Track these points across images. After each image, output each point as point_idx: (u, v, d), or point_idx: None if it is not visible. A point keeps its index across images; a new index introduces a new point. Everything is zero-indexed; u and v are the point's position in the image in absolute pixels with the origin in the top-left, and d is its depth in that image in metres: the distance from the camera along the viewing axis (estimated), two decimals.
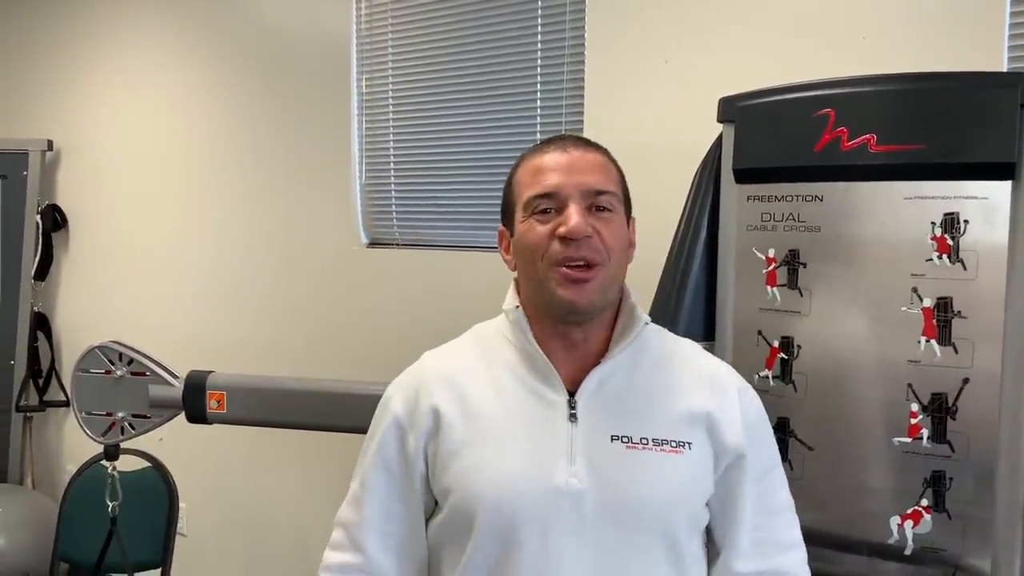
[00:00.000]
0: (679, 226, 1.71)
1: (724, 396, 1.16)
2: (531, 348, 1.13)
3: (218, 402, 1.85)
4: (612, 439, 1.10)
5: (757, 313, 1.59)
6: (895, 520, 1.45)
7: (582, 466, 1.08)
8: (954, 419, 1.41)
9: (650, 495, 1.09)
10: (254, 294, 3.16)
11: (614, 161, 1.19)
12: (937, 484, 1.42)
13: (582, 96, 2.41)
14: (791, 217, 1.54)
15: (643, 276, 1.69)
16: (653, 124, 2.19)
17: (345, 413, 1.90)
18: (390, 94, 2.86)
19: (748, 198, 1.60)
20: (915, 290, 1.43)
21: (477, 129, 2.66)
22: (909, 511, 1.44)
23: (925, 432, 1.43)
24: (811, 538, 1.28)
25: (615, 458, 1.09)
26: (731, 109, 1.61)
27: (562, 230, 1.08)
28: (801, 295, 1.54)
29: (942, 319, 1.41)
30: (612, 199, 1.13)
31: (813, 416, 1.54)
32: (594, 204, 1.11)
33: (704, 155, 1.69)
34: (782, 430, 1.55)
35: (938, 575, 1.41)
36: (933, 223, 1.41)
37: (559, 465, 1.08)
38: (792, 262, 1.55)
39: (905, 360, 1.44)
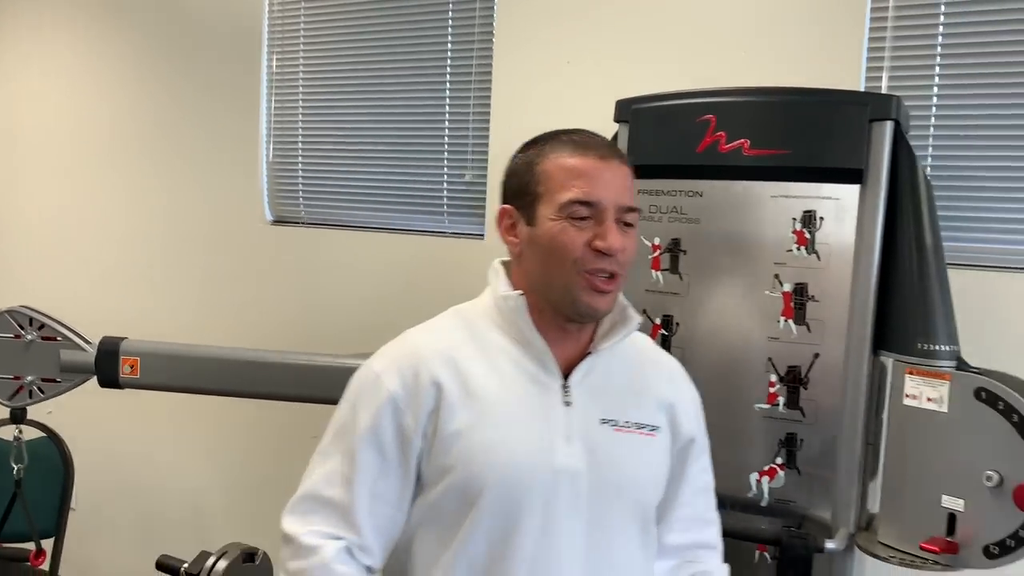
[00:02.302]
0: None
1: (680, 387, 1.29)
2: (529, 334, 1.16)
3: (131, 367, 1.91)
4: (602, 422, 1.17)
5: (643, 294, 1.77)
6: (754, 476, 1.67)
7: (578, 447, 1.14)
8: (805, 388, 1.63)
9: (633, 475, 1.19)
10: (161, 269, 3.18)
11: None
12: (790, 445, 1.65)
13: (489, 87, 2.56)
14: (675, 210, 1.73)
15: None
16: (556, 120, 2.35)
17: (257, 380, 1.99)
18: (300, 74, 2.93)
19: (639, 192, 1.77)
20: (777, 277, 1.64)
21: (386, 114, 2.77)
22: (766, 468, 1.66)
23: (781, 399, 1.64)
24: None
25: (605, 439, 1.16)
26: (626, 111, 1.79)
27: (601, 245, 1.12)
28: (681, 279, 1.73)
29: (798, 302, 1.63)
30: (636, 216, 1.18)
31: None
32: (622, 220, 1.16)
33: None
34: None
35: (789, 524, 1.63)
36: (794, 219, 1.63)
37: (558, 446, 1.14)
38: (674, 249, 1.74)
39: (767, 337, 1.65)
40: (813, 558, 1.56)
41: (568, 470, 1.13)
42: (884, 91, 2.05)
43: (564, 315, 1.17)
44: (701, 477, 1.31)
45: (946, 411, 1.49)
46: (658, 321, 1.76)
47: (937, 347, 1.53)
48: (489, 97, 2.56)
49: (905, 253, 1.58)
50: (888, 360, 1.60)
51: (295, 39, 2.92)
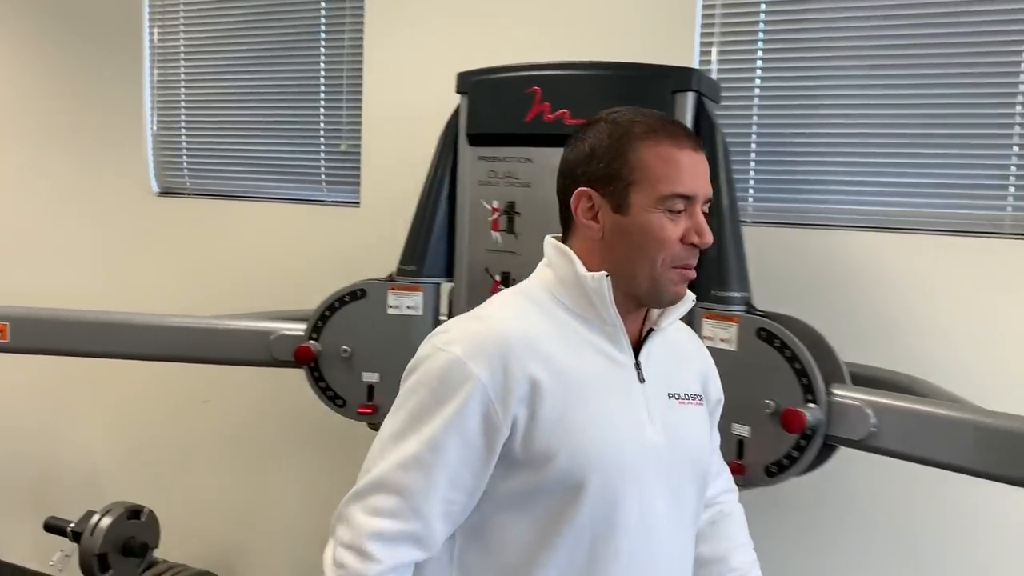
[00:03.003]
0: (426, 180, 2.02)
1: (704, 353, 1.34)
2: (608, 315, 1.14)
3: (0, 332, 1.99)
4: (668, 396, 1.19)
5: (485, 253, 1.93)
6: None
7: (658, 423, 1.16)
8: None
9: (698, 444, 1.23)
10: (49, 243, 3.21)
11: None
12: None
13: (361, 58, 2.67)
14: (509, 175, 1.89)
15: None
16: (425, 91, 2.48)
17: (131, 341, 2.09)
18: (181, 46, 2.99)
19: (479, 158, 1.93)
20: None
21: (265, 85, 2.86)
22: None
23: None
24: None
25: (673, 413, 1.19)
26: (466, 82, 1.93)
27: (697, 240, 1.13)
28: (517, 238, 1.89)
29: None
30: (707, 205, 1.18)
31: None
32: (704, 210, 1.16)
33: (447, 120, 2.01)
34: None
35: None
36: None
37: (644, 423, 1.15)
38: (510, 212, 1.89)
39: None
40: None
41: (655, 446, 1.15)
42: (715, 66, 2.25)
43: (641, 300, 1.17)
44: (717, 433, 1.37)
45: (735, 349, 1.69)
46: (498, 278, 1.92)
47: (729, 294, 1.73)
48: (361, 68, 2.68)
49: (710, 216, 1.76)
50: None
51: (175, 11, 2.98)
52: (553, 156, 1.80)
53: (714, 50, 2.26)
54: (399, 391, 1.15)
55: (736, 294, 1.73)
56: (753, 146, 2.25)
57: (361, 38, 2.67)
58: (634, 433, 1.14)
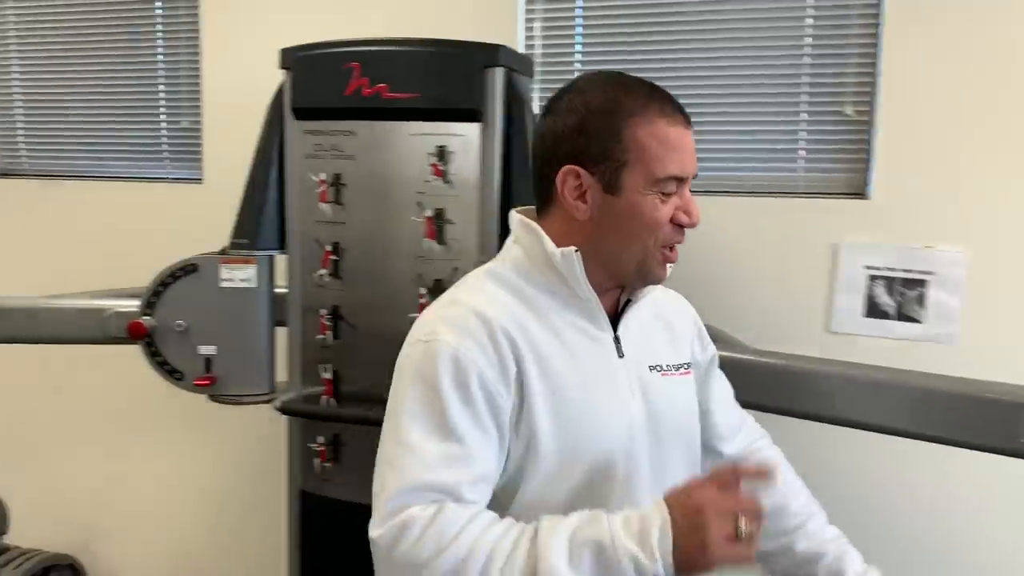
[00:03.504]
0: (255, 155, 2.06)
1: (687, 314, 1.33)
2: (583, 291, 1.13)
3: None
4: (650, 369, 1.18)
5: (314, 224, 1.99)
6: None
7: (639, 396, 1.16)
8: None
9: (683, 414, 1.23)
10: None
11: None
12: None
13: (199, 34, 2.66)
14: (334, 148, 1.95)
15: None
16: (262, 66, 2.49)
17: None
18: (12, 24, 2.89)
19: (304, 132, 1.98)
20: (420, 204, 1.90)
21: (102, 63, 2.81)
22: None
23: None
24: (359, 397, 1.81)
25: (655, 385, 1.18)
26: (289, 58, 1.97)
27: (686, 220, 1.10)
28: (344, 209, 1.96)
29: (438, 225, 1.90)
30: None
31: (356, 302, 1.97)
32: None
33: (273, 95, 2.05)
34: (335, 314, 1.99)
35: None
36: (430, 153, 1.88)
37: (627, 399, 1.15)
38: (337, 184, 1.95)
39: (415, 256, 1.92)
40: None
41: (638, 421, 1.15)
42: (538, 45, 2.37)
43: (624, 281, 1.16)
44: (727, 387, 1.38)
45: None
46: (328, 248, 1.98)
47: None
48: (199, 45, 2.67)
49: (519, 180, 1.88)
50: None
51: None
52: (374, 129, 1.92)
53: (536, 25, 2.38)
54: (393, 390, 1.12)
55: None
56: None
57: (197, 15, 2.65)
58: (617, 410, 1.13)
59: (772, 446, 1.40)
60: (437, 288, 1.91)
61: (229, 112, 2.63)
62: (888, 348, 2.11)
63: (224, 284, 2.05)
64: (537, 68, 2.37)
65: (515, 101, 1.88)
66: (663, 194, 1.09)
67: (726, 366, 1.46)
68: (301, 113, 1.97)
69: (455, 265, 1.91)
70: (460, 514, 1.01)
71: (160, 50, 2.74)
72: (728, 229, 2.24)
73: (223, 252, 2.07)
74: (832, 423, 1.71)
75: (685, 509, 0.96)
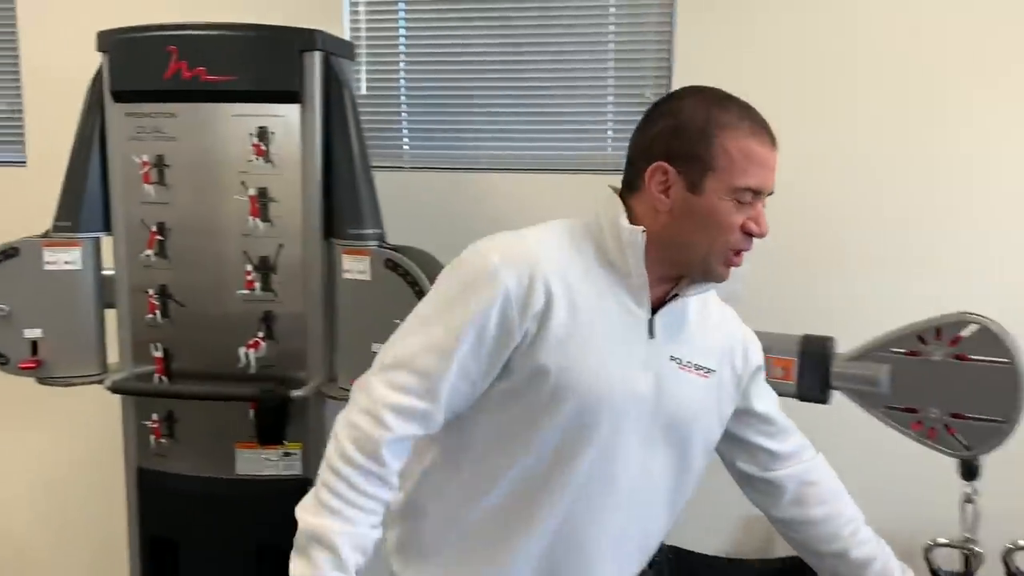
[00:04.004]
0: (76, 137, 2.06)
1: (732, 333, 1.38)
2: (636, 269, 1.21)
3: None
4: (670, 359, 1.26)
5: (139, 206, 2.02)
6: (242, 350, 2.02)
7: (651, 377, 1.23)
8: (275, 273, 1.99)
9: (685, 407, 1.27)
10: None
11: None
12: (268, 320, 2.01)
13: (14, 12, 2.60)
14: (156, 130, 1.99)
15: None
16: (81, 49, 2.47)
17: None
18: None
19: (125, 114, 2.01)
20: (243, 183, 1.97)
21: None
22: (251, 342, 2.02)
23: (257, 284, 2.00)
24: (190, 374, 1.91)
25: (670, 375, 1.25)
26: (106, 41, 1.99)
27: (756, 230, 1.19)
28: (168, 190, 2.00)
29: (262, 203, 1.97)
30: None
31: (184, 281, 2.03)
32: (763, 202, 1.22)
33: (92, 77, 2.06)
34: (163, 294, 2.03)
35: (257, 389, 1.98)
36: (251, 134, 1.95)
37: (637, 373, 1.22)
38: (160, 165, 2.00)
39: (240, 234, 1.99)
40: (288, 406, 1.97)
41: (640, 396, 1.22)
42: (364, 29, 2.46)
43: (686, 272, 1.24)
44: (772, 395, 1.44)
45: (369, 279, 1.94)
46: (154, 228, 2.02)
47: (363, 231, 1.96)
48: (15, 25, 2.61)
49: (339, 159, 1.98)
50: (334, 244, 2.01)
51: None
52: (195, 111, 1.97)
53: (361, 10, 2.47)
54: (436, 282, 1.24)
55: (369, 231, 1.97)
56: (403, 98, 2.50)
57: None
58: (626, 376, 1.21)
59: (818, 455, 1.46)
60: (263, 264, 2.00)
61: (51, 94, 2.58)
62: None
63: (48, 267, 2.05)
64: (362, 52, 2.46)
65: (334, 83, 1.97)
66: (739, 202, 1.18)
67: None
68: (121, 96, 2.00)
69: (280, 242, 1.99)
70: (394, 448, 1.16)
71: None
72: (544, 204, 2.40)
73: (46, 235, 2.07)
74: None
75: None
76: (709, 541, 2.43)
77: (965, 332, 1.57)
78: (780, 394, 1.65)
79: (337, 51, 2.02)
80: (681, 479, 1.31)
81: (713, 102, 1.21)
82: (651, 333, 1.24)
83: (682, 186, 1.19)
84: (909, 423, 1.60)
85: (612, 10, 2.37)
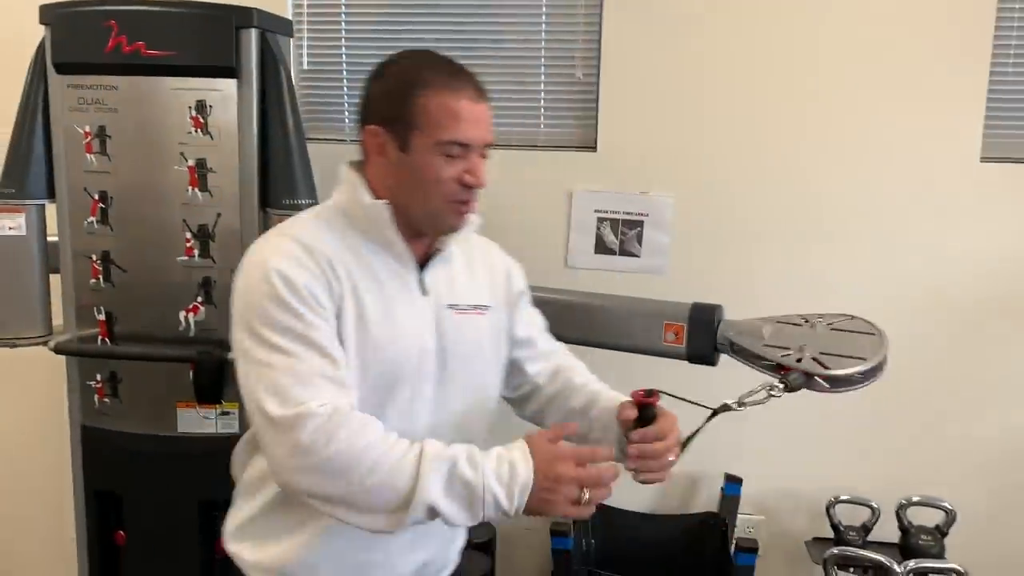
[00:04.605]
0: (19, 107, 2.13)
1: (497, 261, 1.48)
2: (392, 238, 1.29)
3: None
4: (448, 307, 1.35)
5: (83, 174, 2.10)
6: (183, 314, 2.11)
7: (432, 328, 1.32)
8: (213, 241, 2.09)
9: (471, 346, 1.37)
10: None
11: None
12: (207, 286, 2.10)
13: None
14: (97, 101, 2.06)
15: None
16: (21, 21, 2.52)
17: None
18: None
19: (68, 86, 2.08)
20: (183, 154, 2.06)
21: None
22: (191, 306, 2.11)
23: (196, 252, 2.09)
24: (132, 336, 1.94)
25: (449, 321, 1.34)
26: (48, 14, 2.06)
27: (471, 180, 1.27)
28: (110, 160, 2.08)
29: (201, 174, 2.06)
30: (488, 150, 1.31)
31: (126, 248, 2.11)
32: (482, 153, 1.30)
33: (35, 49, 2.12)
34: (106, 260, 2.12)
35: (195, 351, 2.08)
36: (190, 107, 2.04)
37: (424, 330, 1.31)
38: (102, 135, 2.07)
39: (180, 203, 2.08)
40: (225, 367, 2.07)
41: (430, 349, 1.32)
42: (306, 7, 2.54)
43: (418, 227, 1.31)
44: (536, 318, 1.55)
45: None
46: (96, 196, 2.10)
47: (297, 201, 2.06)
48: None
49: (275, 132, 2.07)
50: (270, 213, 2.11)
51: None
52: (136, 84, 2.06)
53: None
54: (234, 314, 1.25)
55: (304, 202, 2.07)
56: (344, 73, 2.59)
57: None
58: (415, 339, 1.30)
59: (568, 354, 1.57)
60: (202, 232, 2.09)
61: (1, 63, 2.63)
62: (613, 279, 2.46)
63: None
64: (304, 28, 2.54)
65: (270, 59, 2.06)
66: (448, 156, 1.25)
67: None
68: (63, 68, 2.07)
69: (218, 211, 2.08)
70: (353, 417, 1.17)
71: None
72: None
73: None
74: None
75: (546, 475, 1.16)
76: (630, 498, 2.58)
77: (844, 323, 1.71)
78: (672, 356, 1.80)
79: (274, 28, 2.11)
80: (481, 405, 1.41)
81: (418, 63, 1.31)
82: (423, 291, 1.33)
83: (394, 146, 1.27)
84: (779, 361, 1.65)
85: None
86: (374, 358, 1.26)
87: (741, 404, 1.40)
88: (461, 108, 1.25)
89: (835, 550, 2.21)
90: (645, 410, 1.31)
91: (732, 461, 2.52)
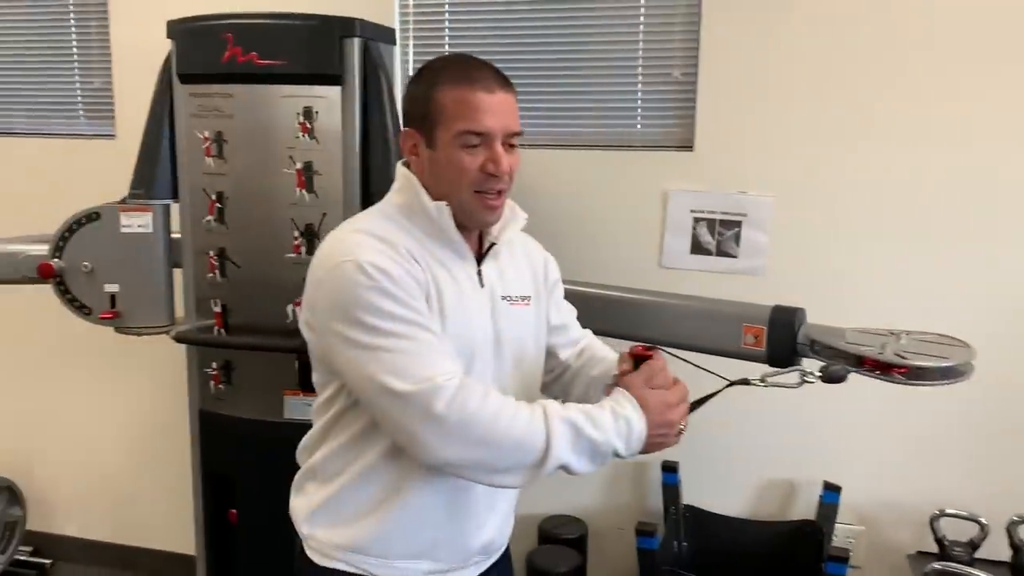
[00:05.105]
0: (149, 114, 2.31)
1: (536, 257, 1.57)
2: (454, 235, 1.36)
3: None
4: (502, 298, 1.44)
5: (202, 176, 2.26)
6: (290, 307, 2.24)
7: (489, 318, 1.41)
8: (319, 239, 2.19)
9: (520, 335, 1.47)
10: None
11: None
12: None
13: (106, 8, 2.89)
14: (216, 108, 2.21)
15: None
16: (157, 35, 2.73)
17: None
18: None
19: (190, 94, 2.24)
20: (291, 157, 2.18)
21: (15, 26, 3.01)
22: (297, 300, 2.21)
23: (303, 249, 2.21)
24: (245, 327, 2.14)
25: (505, 312, 1.43)
26: (173, 29, 2.23)
27: (492, 168, 1.31)
28: (226, 162, 2.23)
29: (308, 176, 2.18)
30: (518, 137, 1.36)
31: (240, 245, 2.26)
32: (508, 142, 1.34)
33: (163, 61, 2.30)
34: (221, 256, 2.27)
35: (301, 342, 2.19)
36: (298, 113, 2.16)
37: (486, 319, 1.40)
38: (219, 140, 2.22)
39: (289, 203, 2.20)
40: None
41: (493, 336, 1.41)
42: (412, 14, 2.64)
43: (464, 224, 1.37)
44: (566, 305, 1.63)
45: None
46: (214, 197, 2.26)
47: None
48: (106, 7, 2.89)
49: (376, 136, 2.16)
50: None
51: None
52: (250, 92, 2.20)
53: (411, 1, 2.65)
54: (318, 316, 1.32)
55: None
56: None
57: None
58: (481, 326, 1.39)
59: (594, 337, 1.65)
60: (308, 231, 2.21)
61: (139, 71, 2.84)
62: (710, 280, 2.44)
63: (124, 230, 2.32)
64: (411, 38, 2.64)
65: (372, 67, 2.16)
66: (468, 146, 1.30)
67: (574, 298, 1.69)
68: (185, 78, 2.23)
69: (324, 211, 2.20)
70: (474, 385, 1.25)
71: (72, 12, 2.96)
72: (577, 179, 2.55)
73: (123, 202, 2.34)
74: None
75: (658, 424, 1.28)
76: (726, 503, 2.55)
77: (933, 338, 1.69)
78: (751, 359, 1.78)
79: (376, 37, 2.20)
80: (527, 380, 1.49)
81: (441, 64, 1.37)
82: (481, 283, 1.40)
83: (424, 145, 1.34)
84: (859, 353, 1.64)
85: None
86: (458, 343, 1.33)
87: (764, 380, 1.41)
88: (475, 99, 1.30)
89: (938, 565, 2.12)
90: (641, 363, 1.34)
91: (832, 468, 2.45)
